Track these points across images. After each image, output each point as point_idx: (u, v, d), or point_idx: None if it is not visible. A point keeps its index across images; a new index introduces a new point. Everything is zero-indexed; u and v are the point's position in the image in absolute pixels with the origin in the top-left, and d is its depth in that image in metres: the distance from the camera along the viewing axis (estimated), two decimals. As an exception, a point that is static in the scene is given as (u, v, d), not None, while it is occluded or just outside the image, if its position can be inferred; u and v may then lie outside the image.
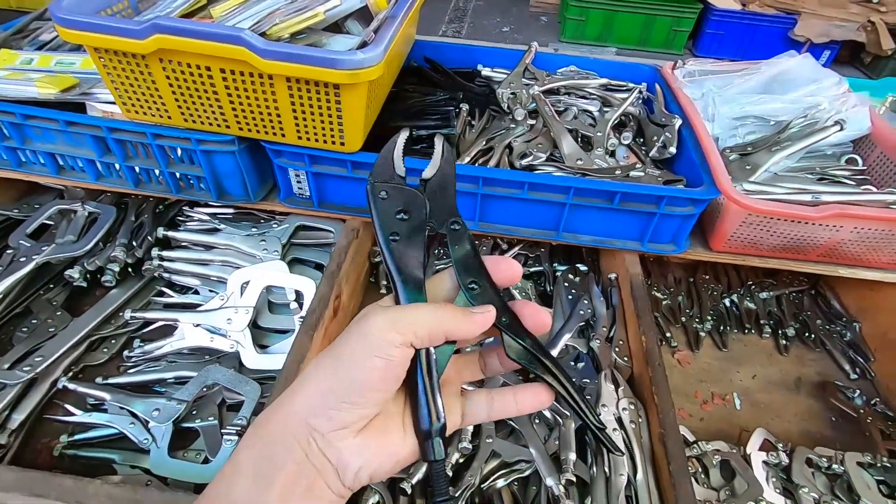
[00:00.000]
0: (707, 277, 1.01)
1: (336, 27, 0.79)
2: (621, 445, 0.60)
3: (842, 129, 0.82)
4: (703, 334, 0.91)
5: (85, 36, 0.62)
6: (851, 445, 0.76)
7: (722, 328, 0.93)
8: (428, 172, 0.36)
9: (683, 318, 0.94)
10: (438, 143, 0.36)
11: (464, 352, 0.38)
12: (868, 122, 0.87)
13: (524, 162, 0.82)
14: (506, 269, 0.35)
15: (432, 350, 0.32)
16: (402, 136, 0.36)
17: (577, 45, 2.31)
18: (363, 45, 0.66)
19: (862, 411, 0.80)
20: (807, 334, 0.93)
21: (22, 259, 0.79)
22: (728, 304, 0.97)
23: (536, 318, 0.34)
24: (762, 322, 0.93)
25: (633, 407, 0.64)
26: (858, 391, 0.83)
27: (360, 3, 0.77)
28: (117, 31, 0.61)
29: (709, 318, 0.93)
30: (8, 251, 0.81)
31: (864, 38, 2.10)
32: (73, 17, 0.61)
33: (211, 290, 0.84)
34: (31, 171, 0.85)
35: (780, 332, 0.93)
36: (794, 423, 0.81)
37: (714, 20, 2.19)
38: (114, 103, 0.76)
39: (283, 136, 0.72)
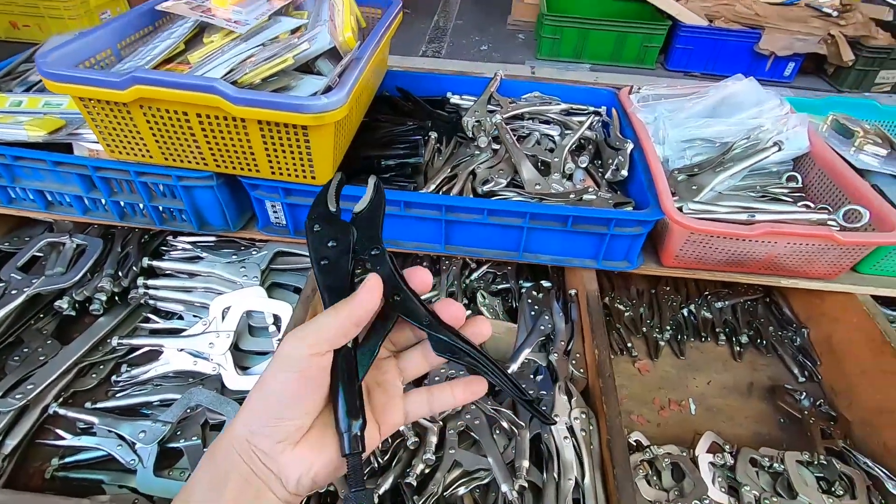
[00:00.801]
0: (668, 289, 1.07)
1: (307, 66, 0.85)
2: (571, 454, 0.65)
3: (780, 150, 0.89)
4: (662, 343, 0.97)
5: (69, 88, 0.67)
6: (796, 445, 0.82)
7: (680, 337, 0.98)
8: (358, 207, 0.41)
9: (644, 329, 0.99)
10: (371, 183, 0.42)
11: (409, 350, 0.42)
12: (806, 141, 0.94)
13: (486, 188, 0.87)
14: (416, 278, 0.39)
15: (349, 355, 0.36)
16: (335, 180, 0.42)
17: (553, 61, 2.39)
18: (328, 88, 0.71)
19: (807, 412, 0.86)
20: (760, 341, 0.99)
21: (13, 291, 0.83)
22: (686, 313, 1.03)
23: (450, 311, 0.39)
24: (718, 330, 0.99)
25: (584, 416, 0.69)
26: (805, 393, 0.89)
27: (329, 44, 0.83)
28: (99, 83, 0.66)
29: (668, 327, 0.99)
30: (-1, 284, 0.86)
31: (825, 51, 2.19)
32: (58, 71, 0.67)
33: (194, 316, 0.89)
34: (21, 207, 0.90)
35: (734, 339, 0.98)
36: (744, 426, 0.86)
37: (683, 36, 2.27)
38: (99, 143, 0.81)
39: (258, 171, 0.77)
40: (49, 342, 0.85)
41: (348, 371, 0.36)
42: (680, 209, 0.81)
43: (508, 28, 2.70)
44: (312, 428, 0.35)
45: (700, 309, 1.03)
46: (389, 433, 0.39)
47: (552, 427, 0.67)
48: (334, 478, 0.36)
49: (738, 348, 0.97)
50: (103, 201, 0.87)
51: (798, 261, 0.82)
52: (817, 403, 0.88)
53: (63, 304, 0.85)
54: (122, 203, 0.87)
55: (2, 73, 0.99)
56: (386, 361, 0.41)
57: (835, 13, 2.19)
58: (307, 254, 0.96)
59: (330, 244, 0.39)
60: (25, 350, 0.83)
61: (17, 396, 0.75)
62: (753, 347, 0.99)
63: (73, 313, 0.88)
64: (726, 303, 1.04)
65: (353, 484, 0.33)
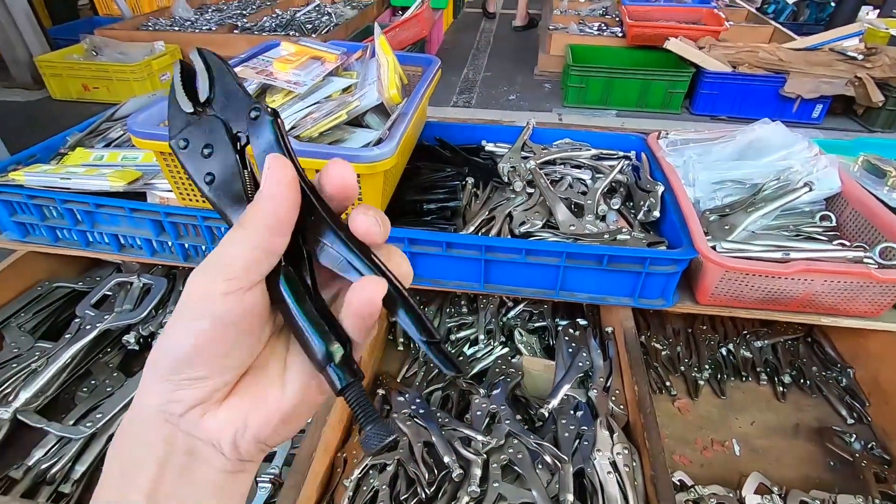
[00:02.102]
0: (704, 328, 1.07)
1: (356, 120, 0.93)
2: (615, 489, 0.66)
3: (811, 190, 0.91)
4: (701, 382, 0.97)
5: (153, 144, 0.77)
6: (848, 489, 0.79)
7: (720, 376, 0.98)
8: (203, 92, 0.29)
9: (682, 367, 0.99)
10: (197, 60, 0.29)
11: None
12: (838, 181, 0.96)
13: (522, 229, 0.92)
14: (336, 174, 0.27)
15: (291, 273, 0.27)
16: (175, 73, 0.29)
17: (580, 109, 2.48)
18: (379, 140, 0.78)
19: (858, 455, 0.83)
20: (803, 381, 0.97)
21: (87, 327, 0.91)
22: (725, 352, 1.02)
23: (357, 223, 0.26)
24: (759, 370, 0.98)
25: (626, 452, 0.70)
26: (855, 436, 0.87)
27: (377, 101, 0.91)
28: (180, 139, 0.75)
29: (707, 366, 0.99)
30: (75, 320, 0.93)
31: (853, 93, 2.21)
32: (145, 130, 0.76)
33: (247, 351, 0.94)
34: (96, 250, 0.99)
35: (776, 379, 0.97)
36: (792, 468, 0.84)
37: (707, 82, 2.33)
38: (170, 191, 0.90)
39: (312, 215, 0.84)
40: (115, 374, 0.91)
41: (300, 289, 0.27)
42: (713, 248, 0.83)
43: (535, 78, 2.82)
44: (245, 376, 0.27)
45: (739, 348, 1.02)
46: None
47: (595, 462, 0.68)
48: (287, 434, 0.28)
49: (781, 388, 0.96)
50: (170, 244, 0.95)
51: (837, 298, 0.82)
52: (869, 446, 0.86)
53: (130, 338, 0.92)
54: (186, 245, 0.94)
55: (86, 131, 1.11)
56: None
57: (860, 56, 2.22)
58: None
59: (206, 152, 0.28)
60: (94, 382, 0.90)
61: (87, 425, 0.81)
62: (797, 388, 0.97)
63: (137, 348, 0.94)
64: (766, 342, 1.03)
65: (363, 419, 0.25)
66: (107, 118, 1.15)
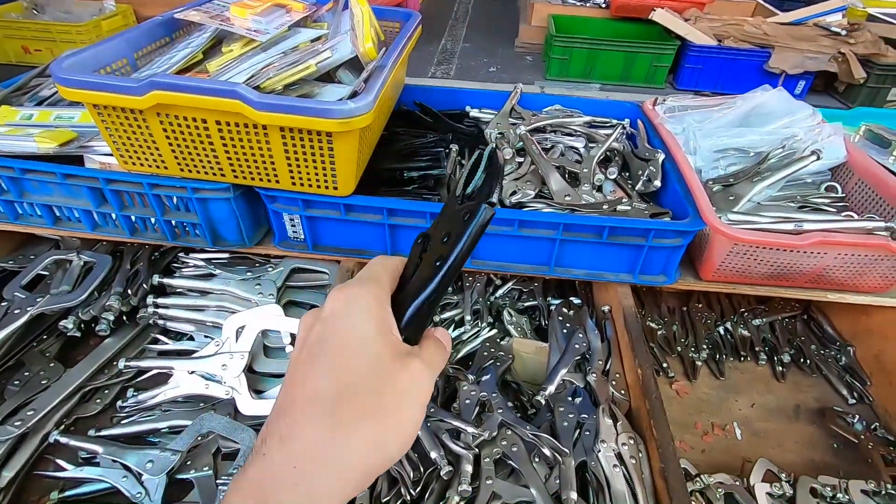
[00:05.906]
0: (700, 306, 1.02)
1: (328, 76, 0.82)
2: (622, 483, 0.59)
3: (819, 159, 0.85)
4: (699, 363, 0.92)
5: (84, 94, 0.64)
6: (854, 472, 0.75)
7: (718, 356, 0.93)
8: (471, 188, 0.31)
9: (679, 348, 0.94)
10: (484, 159, 0.32)
11: None
12: (843, 150, 0.90)
13: (514, 199, 0.84)
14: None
15: None
16: (486, 156, 0.32)
17: (563, 82, 2.39)
18: (354, 94, 0.68)
19: (863, 437, 0.80)
20: (802, 360, 0.93)
21: (16, 311, 0.79)
22: (722, 331, 0.98)
23: None
24: (757, 349, 0.94)
25: (632, 442, 0.63)
26: (858, 416, 0.83)
27: (351, 53, 0.81)
28: (115, 88, 0.63)
29: (704, 346, 0.93)
30: (2, 303, 0.81)
31: (836, 69, 2.19)
32: (72, 77, 0.64)
33: (206, 336, 0.84)
34: (28, 224, 0.86)
35: (775, 358, 0.93)
36: (795, 452, 0.80)
37: (692, 55, 2.27)
38: (111, 155, 0.78)
39: (278, 182, 0.73)
40: (52, 365, 0.79)
41: None
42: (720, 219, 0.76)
43: (516, 50, 2.72)
44: None
45: (737, 327, 0.97)
46: None
47: (599, 454, 0.61)
48: None
49: (780, 368, 0.91)
50: (114, 216, 0.83)
51: (847, 273, 0.77)
52: (872, 427, 0.82)
53: (68, 324, 0.81)
54: (133, 218, 0.83)
55: (12, 87, 0.96)
56: None
57: (843, 32, 2.20)
58: (325, 270, 0.92)
59: (443, 232, 0.30)
60: (26, 374, 0.78)
61: (16, 424, 0.70)
62: (796, 367, 0.93)
63: (79, 334, 0.83)
64: (764, 320, 0.99)
65: None
66: (37, 73, 1.00)
